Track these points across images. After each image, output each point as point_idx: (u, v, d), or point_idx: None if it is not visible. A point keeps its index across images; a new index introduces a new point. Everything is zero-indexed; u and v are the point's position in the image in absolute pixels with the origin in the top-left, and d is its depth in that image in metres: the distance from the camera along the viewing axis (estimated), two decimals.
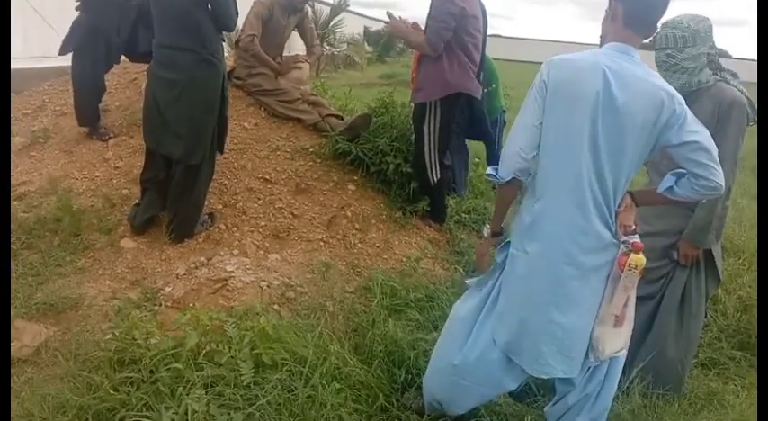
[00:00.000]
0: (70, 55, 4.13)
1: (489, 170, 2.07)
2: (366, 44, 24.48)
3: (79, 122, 4.17)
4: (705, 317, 2.99)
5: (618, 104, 1.83)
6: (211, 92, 3.24)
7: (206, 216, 3.53)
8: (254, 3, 4.46)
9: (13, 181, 3.77)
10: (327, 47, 17.64)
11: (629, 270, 1.92)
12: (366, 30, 24.83)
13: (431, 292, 3.24)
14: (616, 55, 1.91)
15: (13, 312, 2.72)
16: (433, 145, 3.84)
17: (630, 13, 1.92)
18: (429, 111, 3.79)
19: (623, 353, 2.14)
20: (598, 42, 2.09)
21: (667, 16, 2.06)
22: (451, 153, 4.38)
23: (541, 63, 1.98)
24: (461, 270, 3.65)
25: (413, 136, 4.10)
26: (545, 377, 2.09)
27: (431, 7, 3.68)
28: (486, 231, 2.25)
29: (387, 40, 24.40)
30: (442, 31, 3.61)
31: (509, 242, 2.08)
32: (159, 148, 3.32)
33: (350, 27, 19.26)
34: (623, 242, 1.97)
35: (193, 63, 3.15)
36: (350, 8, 18.84)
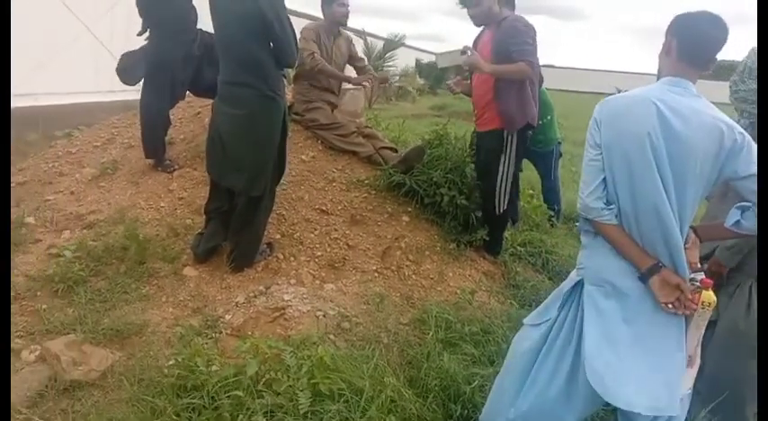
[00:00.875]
0: (135, 88, 4.34)
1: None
2: (418, 76, 24.79)
3: (146, 154, 4.36)
4: None
5: (680, 137, 1.81)
6: (272, 127, 3.34)
7: (265, 246, 3.62)
8: (302, 30, 4.58)
9: (82, 210, 3.97)
10: None
11: (702, 308, 1.87)
12: (418, 62, 25.15)
13: (486, 326, 3.21)
14: (670, 88, 1.90)
15: (81, 337, 2.85)
16: (507, 175, 3.83)
17: (684, 47, 1.91)
18: (507, 142, 3.78)
19: (689, 392, 2.07)
20: (652, 71, 2.08)
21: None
22: None
23: (596, 93, 1.99)
24: (517, 304, 3.61)
25: (467, 167, 4.11)
26: (633, 410, 2.00)
27: (505, 34, 3.64)
28: (643, 273, 1.92)
29: (438, 72, 24.63)
30: (534, 54, 3.60)
31: (580, 280, 2.05)
32: (222, 181, 3.43)
33: (402, 59, 19.60)
34: (691, 279, 1.92)
35: (255, 99, 3.25)
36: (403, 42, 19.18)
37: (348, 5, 4.61)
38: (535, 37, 3.65)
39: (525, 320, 2.25)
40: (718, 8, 2.04)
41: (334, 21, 4.61)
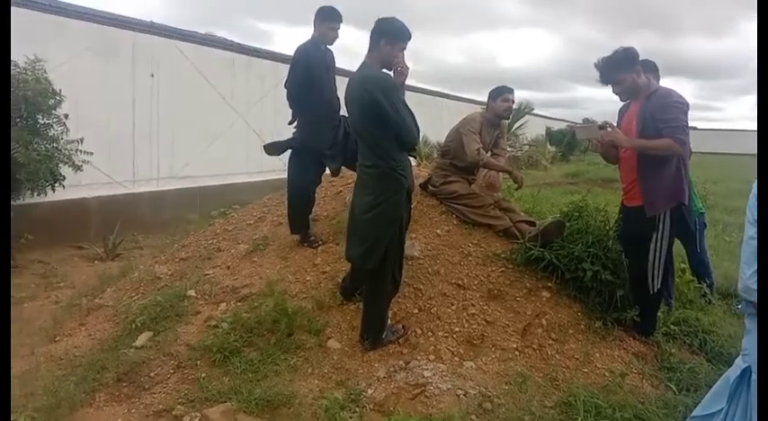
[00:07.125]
0: (280, 169, 4.69)
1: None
2: (548, 144, 24.53)
3: (291, 230, 4.67)
4: None
5: None
6: (392, 203, 3.43)
7: (400, 325, 3.68)
8: (466, 121, 4.78)
9: (236, 283, 4.28)
10: (511, 149, 17.98)
11: None
12: (548, 129, 24.95)
13: (639, 412, 2.98)
14: None
15: (236, 406, 3.03)
16: (661, 254, 3.66)
17: None
18: (660, 222, 3.63)
19: None
20: None
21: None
22: None
23: (745, 155, 1.88)
24: (674, 388, 3.33)
25: (610, 241, 3.96)
26: None
27: (654, 109, 3.56)
28: None
29: (570, 139, 24.23)
30: (686, 129, 3.52)
31: (747, 366, 1.89)
32: (347, 254, 3.60)
33: (531, 128, 19.56)
34: None
35: (378, 178, 3.41)
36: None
37: (512, 101, 4.80)
38: (687, 111, 3.54)
39: (693, 413, 2.08)
40: None
41: (497, 114, 4.80)
